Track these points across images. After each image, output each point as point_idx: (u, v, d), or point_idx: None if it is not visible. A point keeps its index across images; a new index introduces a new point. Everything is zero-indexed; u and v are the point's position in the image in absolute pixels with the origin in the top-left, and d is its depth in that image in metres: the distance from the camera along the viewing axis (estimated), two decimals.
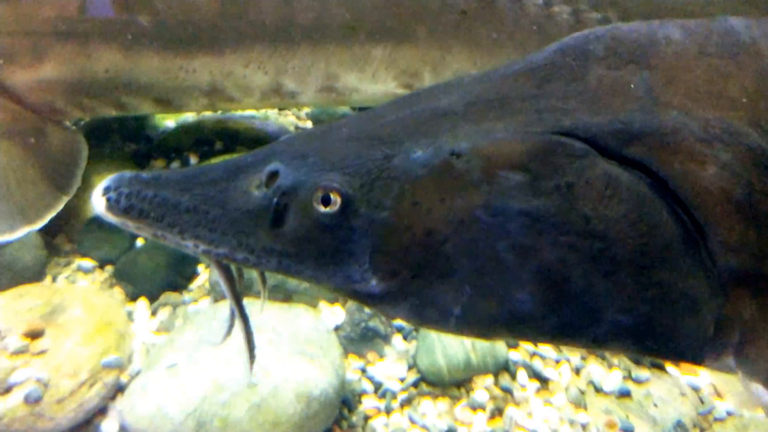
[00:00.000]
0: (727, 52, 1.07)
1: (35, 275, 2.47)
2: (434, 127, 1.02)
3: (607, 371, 2.18)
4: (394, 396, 2.03)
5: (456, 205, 0.96)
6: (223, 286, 1.08)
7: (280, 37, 2.35)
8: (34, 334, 1.93)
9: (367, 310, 2.27)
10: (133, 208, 0.99)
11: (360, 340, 2.16)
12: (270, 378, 1.78)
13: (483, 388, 2.07)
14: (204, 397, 1.73)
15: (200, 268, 2.60)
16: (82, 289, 2.17)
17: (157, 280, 2.50)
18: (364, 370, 2.10)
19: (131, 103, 2.44)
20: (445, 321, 1.00)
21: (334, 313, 2.27)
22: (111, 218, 0.99)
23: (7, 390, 1.79)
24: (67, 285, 2.30)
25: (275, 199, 0.99)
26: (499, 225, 0.95)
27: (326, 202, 0.96)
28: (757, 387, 1.00)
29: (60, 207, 2.22)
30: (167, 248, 2.51)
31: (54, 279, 2.52)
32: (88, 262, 2.57)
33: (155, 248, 2.56)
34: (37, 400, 1.77)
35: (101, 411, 1.90)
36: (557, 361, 2.20)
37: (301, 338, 1.92)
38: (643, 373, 2.15)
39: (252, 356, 1.12)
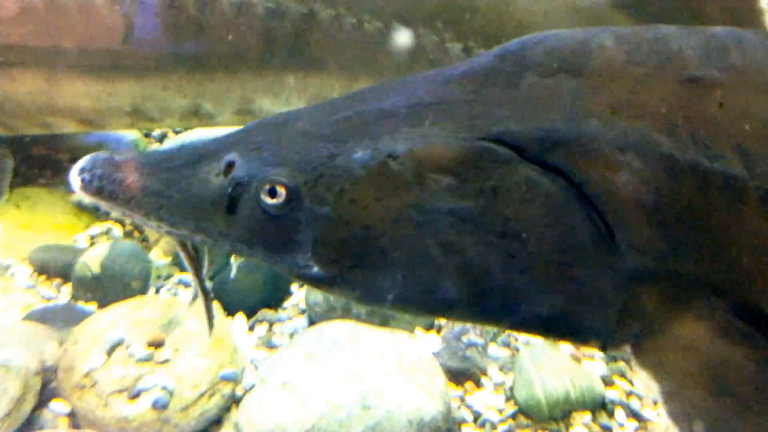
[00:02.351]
0: (654, 61, 1.17)
1: (141, 287, 2.70)
2: (377, 128, 1.16)
3: None
4: (494, 426, 2.19)
5: (390, 204, 1.11)
6: (185, 261, 1.27)
7: (199, 64, 2.62)
8: (156, 344, 2.14)
9: (464, 339, 2.44)
10: (104, 189, 1.15)
11: (457, 368, 2.32)
12: (384, 402, 1.95)
13: (582, 424, 2.21)
14: (322, 415, 1.92)
15: (294, 287, 2.80)
16: (195, 304, 2.37)
17: (254, 296, 2.71)
18: (462, 399, 2.26)
19: (55, 123, 2.71)
20: (380, 304, 1.15)
21: (430, 340, 2.44)
22: (85, 197, 1.17)
23: (136, 395, 2.00)
24: (177, 299, 2.52)
25: (230, 189, 1.15)
26: (428, 223, 1.09)
27: (273, 194, 1.12)
28: (644, 374, 1.11)
29: None
30: (264, 266, 2.73)
31: (157, 291, 2.75)
32: (187, 277, 2.79)
33: (252, 266, 2.77)
34: (164, 407, 1.97)
35: (217, 421, 2.10)
36: (655, 402, 2.32)
37: (408, 364, 2.09)
38: None
39: (211, 326, 1.34)
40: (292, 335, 2.55)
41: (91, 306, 2.61)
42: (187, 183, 1.16)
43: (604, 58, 1.17)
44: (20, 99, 2.56)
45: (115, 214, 1.15)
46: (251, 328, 2.62)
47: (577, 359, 2.36)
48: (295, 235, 1.13)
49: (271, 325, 2.64)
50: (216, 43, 2.59)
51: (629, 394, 2.34)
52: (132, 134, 3.59)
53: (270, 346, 2.53)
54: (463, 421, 2.19)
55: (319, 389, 1.98)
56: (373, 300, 1.16)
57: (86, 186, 1.16)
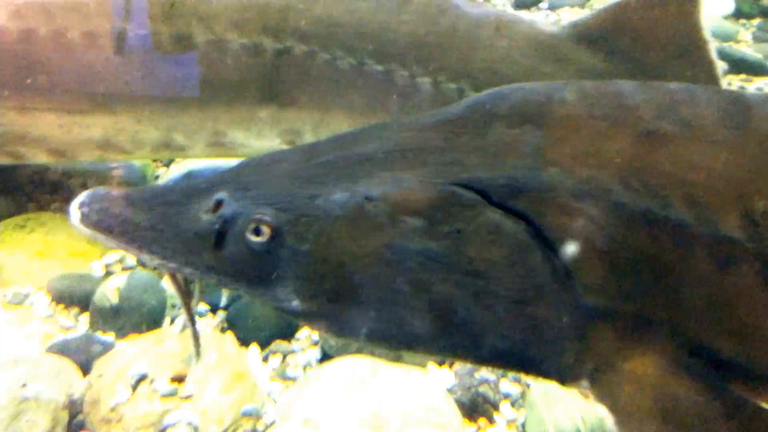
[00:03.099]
0: (612, 115, 1.28)
1: (158, 318, 2.78)
2: (355, 172, 1.27)
3: None
4: None
5: (365, 244, 1.21)
6: (175, 291, 1.37)
7: (171, 98, 2.70)
8: (179, 379, 2.23)
9: (476, 375, 2.53)
10: (102, 223, 1.25)
11: (471, 405, 2.41)
12: None
13: None
14: None
15: None
16: (215, 337, 2.47)
17: (268, 327, 2.79)
18: None
19: (26, 153, 2.79)
20: (355, 337, 1.24)
21: (442, 375, 2.53)
22: (83, 230, 1.26)
23: (162, 431, 2.08)
24: (204, 332, 2.60)
25: (217, 226, 1.25)
26: (399, 262, 1.20)
27: (258, 232, 1.23)
28: (601, 407, 1.21)
29: None
30: None
31: (172, 321, 2.83)
32: (201, 306, 2.87)
33: None
34: None
35: None
36: None
37: (425, 404, 2.19)
38: None
39: (198, 353, 1.41)
40: (305, 367, 2.63)
41: (109, 336, 2.69)
42: (179, 219, 1.26)
43: (566, 111, 1.29)
44: None
45: (111, 245, 1.27)
46: (265, 359, 2.70)
47: (587, 395, 2.46)
48: (277, 270, 1.22)
49: (284, 356, 2.73)
50: (189, 77, 2.67)
51: None
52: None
53: (285, 377, 2.61)
54: None
55: (341, 427, 2.07)
56: (349, 333, 1.25)
57: (84, 220, 1.25)
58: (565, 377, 1.23)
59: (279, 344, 2.76)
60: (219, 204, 1.27)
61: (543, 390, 2.42)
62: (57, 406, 2.13)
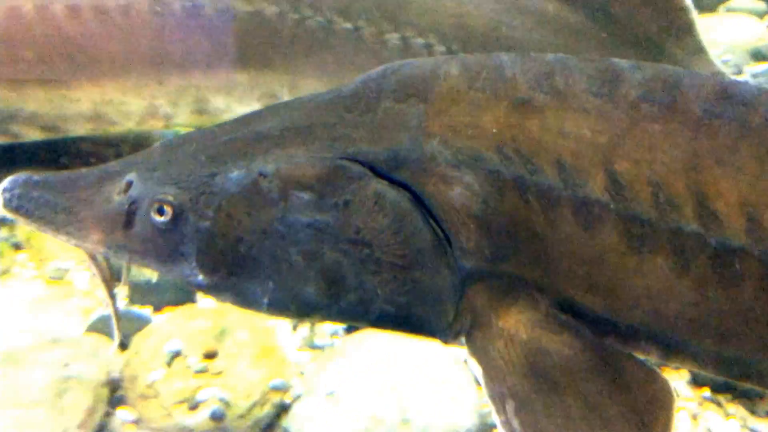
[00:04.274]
0: (490, 87, 1.34)
1: (191, 293, 2.91)
2: (252, 150, 1.35)
3: (725, 419, 2.47)
4: None
5: (260, 218, 1.29)
6: (93, 269, 1.52)
7: (154, 68, 2.72)
8: (210, 355, 2.36)
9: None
10: (21, 208, 1.35)
11: None
12: (422, 416, 2.15)
13: None
14: (366, 428, 2.12)
15: None
16: (244, 313, 2.58)
17: None
18: None
19: (20, 131, 2.87)
20: (258, 308, 1.35)
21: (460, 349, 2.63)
22: (6, 214, 1.38)
23: (195, 406, 2.22)
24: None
25: (125, 206, 1.34)
26: (291, 235, 1.28)
27: (161, 212, 1.31)
28: (473, 361, 1.30)
29: None
30: None
31: None
32: None
33: None
34: (222, 418, 2.20)
35: (270, 425, 2.32)
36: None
37: (442, 376, 2.29)
38: (759, 423, 2.44)
39: (119, 329, 1.70)
40: (332, 335, 2.75)
41: (147, 309, 2.84)
42: (93, 200, 1.36)
43: (449, 84, 1.35)
44: None
45: (31, 228, 1.39)
46: (294, 328, 2.82)
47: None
48: (181, 247, 1.31)
49: (312, 325, 2.84)
50: (169, 45, 2.73)
51: None
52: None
53: (313, 347, 2.74)
54: (494, 426, 2.39)
55: (361, 402, 2.19)
56: (251, 305, 1.36)
57: (6, 204, 1.37)
58: (446, 336, 1.34)
59: None
60: (129, 185, 1.36)
61: None
62: (98, 383, 2.28)
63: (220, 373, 2.31)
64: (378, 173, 1.29)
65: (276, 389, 2.33)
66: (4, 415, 2.15)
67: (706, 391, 2.52)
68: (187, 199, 1.30)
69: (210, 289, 1.34)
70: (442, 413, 2.17)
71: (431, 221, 1.27)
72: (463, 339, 1.33)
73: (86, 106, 2.90)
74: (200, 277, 1.31)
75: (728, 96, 1.27)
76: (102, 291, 1.53)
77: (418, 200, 1.27)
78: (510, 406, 1.20)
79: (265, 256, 1.28)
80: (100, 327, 2.63)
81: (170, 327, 2.45)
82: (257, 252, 1.28)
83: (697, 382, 2.54)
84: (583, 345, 1.25)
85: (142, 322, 2.69)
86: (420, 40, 2.66)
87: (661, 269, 1.20)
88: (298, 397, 2.37)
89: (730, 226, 1.17)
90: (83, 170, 1.42)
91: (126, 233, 1.33)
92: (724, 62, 4.90)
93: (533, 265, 1.26)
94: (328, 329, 2.80)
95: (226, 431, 2.21)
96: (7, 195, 1.36)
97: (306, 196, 1.27)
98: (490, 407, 1.24)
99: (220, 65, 2.86)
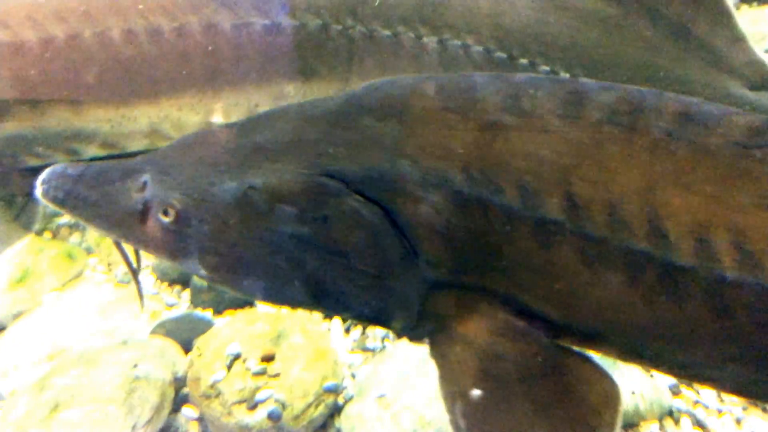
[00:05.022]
0: (461, 108, 1.38)
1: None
2: (247, 161, 1.45)
3: None
4: None
5: (250, 227, 1.40)
6: (120, 255, 1.71)
7: (208, 84, 2.83)
8: (268, 358, 2.49)
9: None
10: (57, 198, 1.49)
11: None
12: None
13: None
14: (414, 430, 2.22)
15: None
16: (299, 318, 2.71)
17: None
18: None
19: (80, 148, 3.00)
20: (254, 298, 1.53)
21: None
22: (44, 203, 1.50)
23: (254, 406, 2.35)
24: (289, 313, 2.86)
25: (140, 206, 1.46)
26: (277, 243, 1.39)
27: (167, 214, 1.43)
28: (434, 364, 1.36)
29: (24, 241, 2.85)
30: None
31: None
32: None
33: None
34: (279, 418, 2.32)
35: (323, 426, 2.44)
36: (719, 411, 2.53)
37: None
38: None
39: (142, 303, 1.91)
40: (383, 339, 2.86)
41: (208, 312, 2.99)
42: (117, 196, 1.49)
43: (423, 104, 1.42)
44: (49, 129, 2.90)
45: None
46: (347, 331, 2.94)
47: (648, 370, 2.58)
48: (187, 244, 1.44)
49: (364, 328, 2.96)
50: (221, 61, 2.86)
51: (695, 402, 2.55)
52: None
53: (364, 349, 2.84)
54: None
55: (410, 405, 2.28)
56: (249, 297, 1.60)
57: (44, 195, 1.51)
58: (412, 336, 1.46)
59: None
60: (144, 185, 1.48)
61: (604, 365, 2.55)
62: (164, 383, 2.43)
63: (277, 375, 2.43)
64: (355, 190, 1.38)
65: (329, 391, 2.45)
66: (81, 410, 2.32)
67: None
68: (189, 205, 1.42)
69: (213, 281, 1.49)
70: None
71: (401, 236, 1.36)
72: (427, 341, 1.43)
73: (144, 123, 3.06)
74: (203, 272, 1.43)
75: (689, 118, 1.29)
76: (127, 270, 1.77)
77: (389, 216, 1.35)
78: (459, 406, 1.27)
79: (257, 259, 1.40)
80: (165, 329, 2.78)
81: (231, 331, 2.58)
82: (250, 255, 1.40)
83: None
84: (536, 351, 1.32)
85: (204, 325, 2.84)
86: (457, 42, 2.73)
87: (613, 283, 1.25)
88: (350, 399, 2.48)
89: (678, 246, 1.21)
90: (111, 164, 1.57)
91: (142, 229, 1.46)
92: (765, 51, 4.84)
93: (493, 277, 1.34)
94: (379, 333, 2.90)
95: (283, 430, 2.33)
96: (45, 186, 1.51)
97: (289, 209, 1.37)
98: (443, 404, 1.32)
99: (270, 78, 2.99)
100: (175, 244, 1.45)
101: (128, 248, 2.24)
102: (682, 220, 1.22)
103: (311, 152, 1.43)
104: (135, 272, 1.76)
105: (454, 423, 1.27)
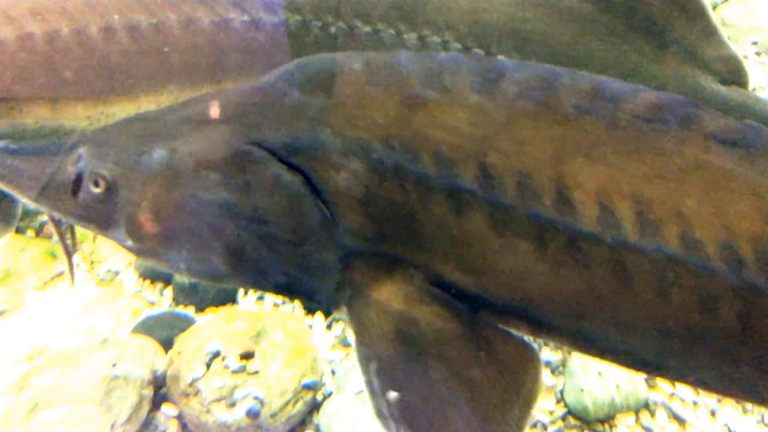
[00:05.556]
0: (385, 82, 1.42)
1: (232, 292, 3.05)
2: (177, 131, 1.47)
3: (742, 415, 2.51)
4: (544, 427, 2.46)
5: (175, 194, 1.42)
6: (52, 228, 1.67)
7: (186, 80, 2.83)
8: (247, 356, 2.49)
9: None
10: None
11: None
12: None
13: (625, 425, 2.46)
14: None
15: None
16: (280, 315, 2.72)
17: None
18: None
19: None
20: (178, 271, 1.48)
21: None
22: None
23: (233, 404, 2.35)
24: (270, 310, 2.86)
25: (72, 177, 1.48)
26: (200, 210, 1.41)
27: (97, 184, 1.46)
28: (352, 330, 1.39)
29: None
30: None
31: (246, 293, 3.10)
32: None
33: None
34: (257, 415, 2.33)
35: (302, 422, 2.45)
36: (695, 404, 2.55)
37: None
38: None
39: (73, 279, 1.91)
40: None
41: (190, 310, 2.99)
42: (53, 169, 1.52)
43: (349, 79, 1.46)
44: (26, 127, 2.88)
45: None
46: (329, 327, 2.94)
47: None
48: (115, 215, 1.46)
49: (346, 324, 2.96)
50: (200, 59, 2.85)
51: (671, 395, 2.57)
52: None
53: (345, 344, 2.85)
54: None
55: None
56: (174, 269, 1.52)
57: None
58: (330, 304, 1.47)
59: (341, 312, 2.98)
60: (79, 158, 1.51)
61: (581, 360, 2.57)
62: (143, 382, 2.44)
63: (256, 372, 2.44)
64: (278, 158, 1.40)
65: (308, 388, 2.45)
66: (59, 410, 2.32)
67: None
68: (118, 174, 1.44)
69: (138, 253, 1.51)
70: None
71: (321, 203, 1.38)
72: (344, 308, 1.44)
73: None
74: (129, 242, 1.45)
75: (599, 94, 1.34)
76: (61, 248, 1.88)
77: (310, 184, 1.38)
78: (373, 367, 1.29)
79: (180, 228, 1.42)
80: (146, 328, 2.78)
81: (211, 329, 2.58)
82: (174, 224, 1.42)
83: None
84: (452, 315, 1.34)
85: (186, 323, 2.84)
86: (436, 39, 2.73)
87: (522, 252, 1.28)
88: (329, 395, 2.49)
89: (583, 213, 1.25)
90: (51, 143, 1.59)
91: (74, 200, 1.47)
92: (753, 43, 4.84)
93: (410, 245, 1.36)
94: None
95: (261, 428, 2.34)
96: None
97: (213, 175, 1.39)
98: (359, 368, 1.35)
99: (249, 74, 2.97)
100: (104, 215, 1.47)
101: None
102: (588, 189, 1.26)
103: (239, 122, 1.46)
104: (69, 252, 1.76)
105: (369, 383, 1.29)
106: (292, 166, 1.39)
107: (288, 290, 1.47)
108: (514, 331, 1.38)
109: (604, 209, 1.25)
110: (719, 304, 1.23)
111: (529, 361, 1.33)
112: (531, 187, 1.28)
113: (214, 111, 1.50)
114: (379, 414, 1.27)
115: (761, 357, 1.26)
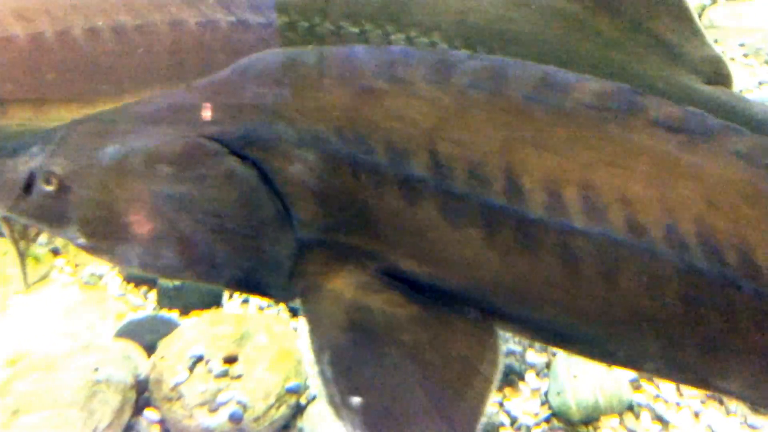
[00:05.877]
0: (339, 75, 1.44)
1: (218, 295, 3.04)
2: (131, 128, 1.47)
3: (725, 416, 2.51)
4: (529, 430, 2.46)
5: (129, 189, 1.42)
6: (4, 230, 1.59)
7: (172, 81, 2.83)
8: (231, 360, 2.47)
9: (503, 348, 2.69)
10: None
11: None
12: None
13: (609, 427, 2.45)
14: None
15: None
16: (265, 318, 2.70)
17: None
18: (501, 404, 2.53)
19: None
20: (131, 267, 1.46)
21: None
22: None
23: (215, 409, 2.34)
24: (255, 314, 2.84)
25: (25, 175, 1.47)
26: (154, 205, 1.40)
27: (48, 182, 1.44)
28: (305, 321, 1.38)
29: None
30: None
31: (230, 296, 3.08)
32: None
33: None
34: (240, 420, 2.31)
35: (285, 426, 2.43)
36: (678, 405, 2.55)
37: None
38: (759, 420, 2.47)
39: (26, 282, 1.78)
40: None
41: (174, 313, 2.97)
42: (8, 168, 1.50)
43: (304, 72, 1.47)
44: (9, 130, 2.85)
45: None
46: None
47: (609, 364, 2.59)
48: (67, 213, 1.45)
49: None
50: (186, 58, 2.83)
51: (656, 397, 2.57)
52: None
53: None
54: (501, 425, 2.47)
55: None
56: (128, 265, 1.49)
57: None
58: (284, 297, 1.50)
59: None
60: (32, 157, 1.50)
61: (566, 360, 2.56)
62: (125, 386, 2.41)
63: (239, 376, 2.42)
64: (233, 151, 1.40)
65: (291, 392, 2.44)
66: (40, 415, 2.30)
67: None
68: (70, 171, 1.43)
69: (90, 250, 1.49)
70: None
71: (274, 195, 1.38)
72: (299, 300, 1.44)
73: None
74: (81, 240, 1.44)
75: (548, 84, 1.36)
76: (12, 247, 1.75)
77: (263, 176, 1.38)
78: (326, 356, 1.28)
79: (134, 223, 1.41)
80: (129, 331, 2.76)
81: (195, 332, 2.57)
82: (126, 220, 1.41)
83: None
84: (404, 301, 1.35)
85: (169, 326, 2.82)
86: (424, 39, 2.72)
87: (473, 240, 1.29)
88: (313, 399, 2.47)
89: (531, 200, 1.26)
90: (7, 141, 1.57)
91: (27, 199, 1.47)
92: (741, 45, 4.86)
93: (363, 235, 1.37)
94: None
95: None
96: None
97: (167, 169, 1.39)
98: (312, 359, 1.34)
99: None
100: (57, 213, 1.45)
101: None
102: (536, 176, 1.28)
103: (192, 117, 1.46)
104: (21, 252, 1.74)
105: (322, 373, 1.28)
106: (245, 159, 1.39)
107: (244, 284, 1.46)
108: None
109: (552, 195, 1.27)
110: (664, 288, 1.24)
111: (485, 341, 1.33)
112: (481, 175, 1.29)
113: (168, 107, 1.50)
114: (332, 403, 1.27)
115: (705, 341, 1.26)
